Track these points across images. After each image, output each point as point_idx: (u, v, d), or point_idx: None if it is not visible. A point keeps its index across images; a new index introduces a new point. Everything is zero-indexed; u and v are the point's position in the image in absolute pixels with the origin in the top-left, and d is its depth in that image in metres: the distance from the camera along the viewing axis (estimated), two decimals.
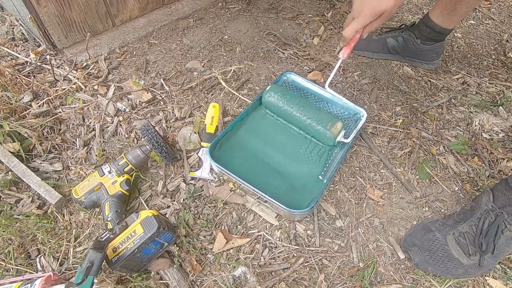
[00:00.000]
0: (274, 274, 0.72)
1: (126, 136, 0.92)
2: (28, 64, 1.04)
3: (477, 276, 0.73)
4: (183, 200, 0.82)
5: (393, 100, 1.10)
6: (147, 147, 0.81)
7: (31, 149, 0.86)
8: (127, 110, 0.98)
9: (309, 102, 0.94)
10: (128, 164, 0.79)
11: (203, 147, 0.90)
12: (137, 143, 0.91)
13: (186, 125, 0.96)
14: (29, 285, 0.61)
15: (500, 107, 1.09)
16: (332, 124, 0.85)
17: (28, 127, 0.86)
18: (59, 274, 0.69)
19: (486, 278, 0.74)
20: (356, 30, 0.73)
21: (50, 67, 1.00)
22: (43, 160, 0.86)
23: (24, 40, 1.11)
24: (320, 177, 0.84)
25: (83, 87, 1.01)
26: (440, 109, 1.08)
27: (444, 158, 0.95)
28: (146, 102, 0.99)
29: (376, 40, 1.20)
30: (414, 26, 1.14)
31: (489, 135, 1.02)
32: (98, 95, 1.00)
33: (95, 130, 0.92)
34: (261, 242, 0.76)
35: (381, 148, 0.96)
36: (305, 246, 0.77)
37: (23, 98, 0.94)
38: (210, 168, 0.86)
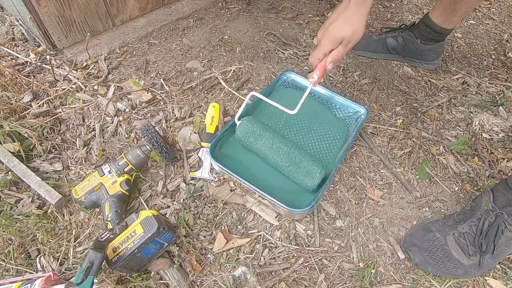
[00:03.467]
0: (274, 274, 0.72)
1: (126, 136, 0.92)
2: (28, 64, 1.04)
3: (477, 276, 0.73)
4: (183, 200, 0.82)
5: (393, 100, 1.10)
6: (147, 147, 0.81)
7: (31, 149, 0.86)
8: (127, 110, 0.98)
9: (286, 140, 0.84)
10: (128, 164, 0.79)
11: (203, 147, 0.90)
12: (137, 143, 0.91)
13: (186, 125, 0.96)
14: (29, 285, 0.61)
15: (500, 107, 1.09)
16: (310, 170, 0.78)
17: (28, 127, 0.86)
18: (59, 274, 0.69)
19: (486, 278, 0.74)
20: (318, 57, 0.75)
21: (50, 67, 1.00)
22: (43, 160, 0.86)
23: (24, 40, 1.11)
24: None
25: (83, 87, 1.01)
26: (440, 109, 1.08)
27: (444, 158, 0.95)
28: (146, 102, 0.99)
29: (376, 40, 1.20)
30: (414, 26, 1.14)
31: (489, 135, 1.02)
32: (98, 95, 1.00)
33: (95, 130, 0.92)
34: (261, 242, 0.76)
35: (381, 148, 0.96)
36: (305, 246, 0.77)
37: (23, 98, 0.94)
38: (210, 168, 0.86)
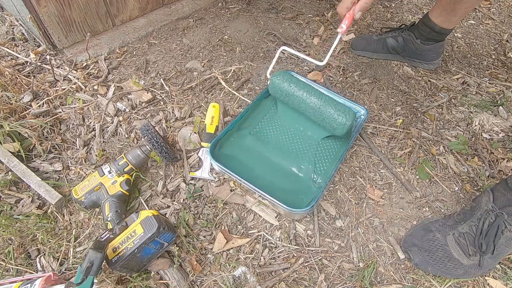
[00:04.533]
0: (274, 274, 0.72)
1: (126, 136, 0.92)
2: (28, 64, 1.04)
3: (477, 276, 0.73)
4: (183, 200, 0.82)
5: (393, 100, 1.10)
6: (147, 147, 0.81)
7: (31, 149, 0.86)
8: (127, 110, 0.98)
9: (317, 90, 0.89)
10: (128, 164, 0.79)
11: (203, 147, 0.90)
12: (137, 143, 0.91)
13: (186, 125, 0.96)
14: (29, 285, 0.61)
15: (500, 107, 1.09)
16: (344, 112, 0.83)
17: (28, 127, 0.86)
18: (59, 274, 0.69)
19: (486, 278, 0.74)
20: (346, 6, 0.75)
21: (50, 67, 1.00)
22: (43, 160, 0.86)
23: (24, 40, 1.11)
24: (314, 176, 0.83)
25: (83, 87, 1.01)
26: (440, 109, 1.08)
27: (444, 158, 0.95)
28: (146, 102, 0.99)
29: (376, 40, 1.20)
30: (414, 26, 1.14)
31: (489, 135, 1.02)
32: (98, 95, 1.00)
33: (95, 130, 0.92)
34: (261, 242, 0.76)
35: (381, 148, 0.96)
36: (305, 246, 0.77)
37: (23, 98, 0.94)
38: (210, 168, 0.86)
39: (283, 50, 0.87)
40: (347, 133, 0.87)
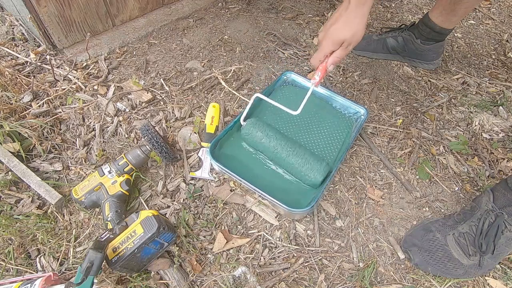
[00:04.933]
0: (274, 274, 0.72)
1: (126, 136, 0.92)
2: (28, 64, 1.04)
3: (477, 276, 0.73)
4: (183, 200, 0.82)
5: (393, 100, 1.10)
6: (147, 147, 0.81)
7: (31, 149, 0.86)
8: (127, 110, 0.98)
9: (292, 140, 0.86)
10: (128, 164, 0.79)
11: (203, 147, 0.90)
12: (137, 143, 0.91)
13: (186, 125, 0.96)
14: (29, 285, 0.61)
15: (500, 107, 1.09)
16: (315, 167, 0.79)
17: (28, 127, 0.86)
18: (59, 274, 0.69)
19: (486, 278, 0.74)
20: (319, 59, 0.76)
21: (50, 67, 1.00)
22: (43, 160, 0.86)
23: (24, 40, 1.11)
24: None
25: (83, 87, 1.01)
26: (440, 109, 1.08)
27: (444, 158, 0.95)
28: (146, 102, 0.99)
29: (376, 40, 1.20)
30: (414, 26, 1.14)
31: (489, 135, 1.02)
32: (98, 95, 1.00)
33: (95, 130, 0.92)
34: (261, 242, 0.76)
35: (381, 148, 0.96)
36: (305, 246, 0.77)
37: (23, 98, 0.94)
38: (210, 168, 0.86)
39: (256, 97, 0.83)
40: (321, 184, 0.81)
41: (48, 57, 1.06)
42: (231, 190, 0.83)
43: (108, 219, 0.70)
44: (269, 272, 0.73)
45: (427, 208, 0.85)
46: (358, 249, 0.77)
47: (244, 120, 0.86)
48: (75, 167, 0.85)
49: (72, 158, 0.87)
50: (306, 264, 0.74)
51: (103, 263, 0.60)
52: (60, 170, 0.84)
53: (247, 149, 0.88)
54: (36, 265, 0.71)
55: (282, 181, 0.83)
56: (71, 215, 0.78)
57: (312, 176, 0.79)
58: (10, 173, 0.80)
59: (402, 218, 0.83)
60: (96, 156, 0.87)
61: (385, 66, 1.21)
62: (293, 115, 0.79)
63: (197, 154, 0.89)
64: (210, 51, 1.19)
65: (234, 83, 1.09)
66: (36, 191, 0.79)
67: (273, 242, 0.77)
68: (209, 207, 0.81)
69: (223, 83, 1.07)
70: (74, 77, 1.03)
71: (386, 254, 0.77)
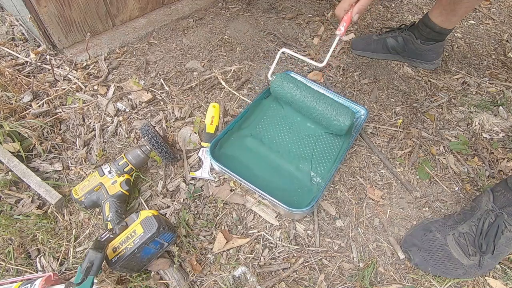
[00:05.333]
0: (274, 274, 0.72)
1: (126, 136, 0.92)
2: (28, 64, 1.04)
3: (477, 276, 0.73)
4: (183, 200, 0.82)
5: (393, 100, 1.10)
6: (147, 147, 0.81)
7: (31, 149, 0.86)
8: (127, 110, 0.98)
9: (318, 91, 0.92)
10: (128, 164, 0.79)
11: (203, 147, 0.90)
12: (137, 143, 0.91)
13: (186, 125, 0.96)
14: (29, 285, 0.61)
15: (500, 107, 1.09)
16: (344, 113, 0.86)
17: (28, 127, 0.86)
18: (59, 274, 0.69)
19: (486, 278, 0.74)
20: (344, 8, 0.76)
21: (50, 67, 1.00)
22: (43, 160, 0.86)
23: (24, 40, 1.11)
24: (314, 176, 0.84)
25: (83, 87, 1.01)
26: (440, 109, 1.08)
27: (444, 158, 0.95)
28: (146, 102, 0.99)
29: (376, 40, 1.20)
30: (414, 26, 1.14)
31: (489, 135, 1.02)
32: (98, 95, 1.00)
33: (95, 130, 0.92)
34: (261, 242, 0.76)
35: (381, 148, 0.96)
36: (305, 246, 0.77)
37: (23, 98, 0.94)
38: (210, 168, 0.86)
39: (283, 51, 0.89)
40: (347, 132, 0.89)
41: (48, 57, 1.06)
42: (231, 190, 0.83)
43: (108, 219, 0.70)
44: (269, 272, 0.73)
45: (427, 208, 0.85)
46: (358, 249, 0.77)
47: (271, 77, 0.92)
48: (75, 167, 0.85)
49: (72, 158, 0.87)
50: (306, 264, 0.74)
51: (103, 263, 0.60)
52: (60, 170, 0.84)
53: (247, 148, 0.88)
54: (36, 265, 0.71)
55: (282, 181, 0.83)
56: (71, 215, 0.78)
57: (341, 120, 0.85)
58: (10, 173, 0.80)
59: (402, 218, 0.83)
60: (96, 156, 0.87)
61: (385, 66, 1.21)
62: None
63: (197, 154, 0.89)
64: (210, 51, 1.19)
65: (234, 83, 1.09)
66: (36, 191, 0.79)
67: (273, 242, 0.77)
68: (209, 207, 0.81)
69: (223, 83, 1.07)
70: (74, 77, 1.03)
71: (386, 254, 0.77)
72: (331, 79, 1.14)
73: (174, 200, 0.81)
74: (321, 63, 0.82)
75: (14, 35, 1.11)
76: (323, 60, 0.82)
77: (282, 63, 1.18)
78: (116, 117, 0.95)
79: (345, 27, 0.78)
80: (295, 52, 0.86)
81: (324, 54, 1.22)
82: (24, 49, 1.08)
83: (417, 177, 0.90)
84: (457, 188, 0.89)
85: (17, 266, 0.70)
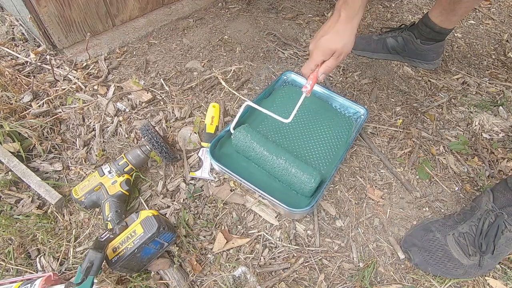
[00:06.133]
0: (274, 274, 0.72)
1: (126, 136, 0.92)
2: (28, 64, 1.04)
3: (477, 276, 0.73)
4: (183, 200, 0.82)
5: (393, 100, 1.10)
6: (147, 147, 0.81)
7: (31, 149, 0.86)
8: (127, 110, 0.98)
9: (282, 149, 0.84)
10: (128, 164, 0.79)
11: (203, 147, 0.90)
12: (137, 143, 0.91)
13: (186, 125, 0.96)
14: (29, 285, 0.61)
15: (500, 107, 1.09)
16: (308, 173, 0.77)
17: (28, 127, 0.86)
18: (59, 274, 0.69)
19: (486, 278, 0.74)
20: (311, 68, 0.78)
21: (50, 67, 1.00)
22: (43, 160, 0.86)
23: (24, 40, 1.11)
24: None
25: (83, 87, 1.01)
26: (440, 109, 1.08)
27: (444, 158, 0.95)
28: (146, 102, 0.99)
29: (376, 40, 1.20)
30: (413, 26, 1.14)
31: (489, 135, 1.02)
32: (98, 95, 1.00)
33: (95, 130, 0.92)
34: (261, 242, 0.76)
35: (381, 148, 0.96)
36: (305, 246, 0.77)
37: (23, 98, 0.94)
38: (210, 168, 0.86)
39: (247, 105, 0.84)
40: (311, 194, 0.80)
41: (48, 57, 1.06)
42: (231, 190, 0.83)
43: (108, 219, 0.70)
44: (269, 272, 0.73)
45: (427, 208, 0.85)
46: (358, 249, 0.77)
47: (234, 128, 0.84)
48: (75, 167, 0.85)
49: (72, 158, 0.87)
50: (306, 264, 0.74)
51: (103, 263, 0.60)
52: (60, 170, 0.84)
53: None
54: (36, 265, 0.71)
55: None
56: (71, 215, 0.78)
57: (302, 187, 0.77)
58: (10, 173, 0.80)
59: (402, 218, 0.83)
60: (96, 156, 0.87)
61: (385, 66, 1.21)
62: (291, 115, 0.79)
63: (197, 154, 0.89)
64: (210, 51, 1.19)
65: (234, 83, 1.09)
66: (36, 191, 0.79)
67: (273, 242, 0.77)
68: (209, 207, 0.81)
69: (223, 83, 1.07)
70: (74, 77, 1.03)
71: (386, 254, 0.77)
72: (331, 79, 1.14)
73: (174, 200, 0.81)
74: (286, 119, 0.79)
75: (14, 35, 1.11)
76: (288, 116, 0.79)
77: (282, 63, 1.18)
78: (116, 117, 0.95)
79: (311, 85, 0.78)
80: (259, 107, 0.83)
81: None
82: (24, 49, 1.08)
83: (417, 177, 0.90)
84: (457, 188, 0.89)
85: (17, 266, 0.70)
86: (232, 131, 0.84)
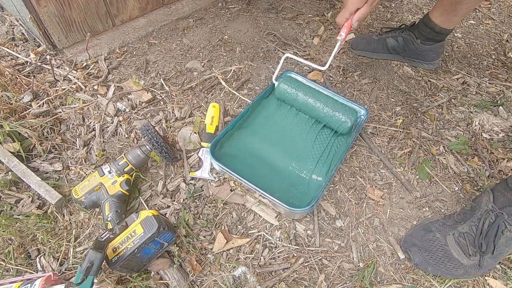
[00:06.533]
0: (274, 274, 0.72)
1: (126, 136, 0.92)
2: (28, 64, 1.04)
3: (477, 276, 0.73)
4: (183, 200, 0.82)
5: (393, 100, 1.10)
6: (147, 147, 0.81)
7: (31, 149, 0.86)
8: (127, 110, 0.98)
9: (321, 93, 0.96)
10: (128, 164, 0.79)
11: (203, 147, 0.90)
12: (137, 143, 0.91)
13: (186, 125, 0.96)
14: (29, 285, 0.61)
15: (500, 107, 1.09)
16: (346, 112, 0.89)
17: (28, 127, 0.86)
18: (59, 274, 0.69)
19: (486, 278, 0.74)
20: (345, 17, 0.80)
21: (50, 67, 1.00)
22: (43, 160, 0.86)
23: (24, 40, 1.11)
24: (314, 176, 0.84)
25: (83, 87, 1.01)
26: (440, 109, 1.08)
27: (444, 158, 0.95)
28: (146, 102, 0.99)
29: (376, 40, 1.20)
30: (414, 26, 1.14)
31: (489, 135, 1.02)
32: (98, 95, 1.00)
33: (95, 130, 0.92)
34: (261, 242, 0.76)
35: (381, 148, 0.96)
36: (305, 246, 0.77)
37: (23, 98, 0.94)
38: (210, 168, 0.86)
39: (287, 56, 0.93)
40: (349, 131, 0.91)
41: (48, 57, 1.06)
42: (231, 190, 0.83)
43: (108, 219, 0.70)
44: (269, 272, 0.73)
45: (427, 208, 0.85)
46: (358, 249, 0.77)
47: (276, 80, 0.95)
48: (75, 167, 0.85)
49: (72, 158, 0.87)
50: (306, 264, 0.74)
51: (103, 263, 0.60)
52: (60, 170, 0.84)
53: (247, 147, 0.88)
54: (36, 265, 0.71)
55: (283, 181, 0.83)
56: (71, 215, 0.78)
57: (344, 120, 0.88)
58: (10, 173, 0.80)
59: (402, 218, 0.83)
60: (96, 156, 0.87)
61: (385, 66, 1.21)
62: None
63: (197, 154, 0.89)
64: (210, 51, 1.19)
65: (234, 83, 1.09)
66: (36, 191, 0.79)
67: (273, 242, 0.77)
68: (209, 207, 0.81)
69: (223, 83, 1.07)
70: (74, 77, 1.03)
71: (386, 254, 0.77)
72: (331, 79, 1.14)
73: (174, 200, 0.81)
74: (323, 66, 0.85)
75: (14, 35, 1.11)
76: (325, 63, 0.85)
77: (282, 63, 1.18)
78: (116, 117, 0.95)
79: (346, 33, 0.81)
80: (298, 57, 0.91)
81: (324, 55, 1.22)
82: (24, 49, 1.08)
83: (417, 177, 0.90)
84: (457, 188, 0.89)
85: (17, 266, 0.70)
86: (274, 81, 0.97)
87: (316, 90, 0.95)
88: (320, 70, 0.87)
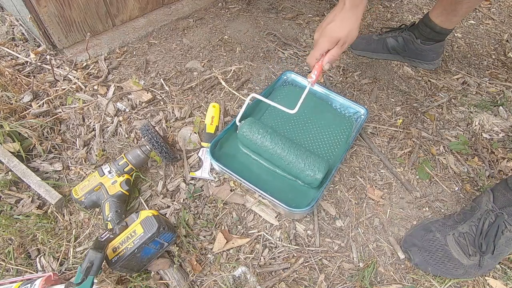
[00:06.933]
0: (274, 274, 0.72)
1: (126, 136, 0.92)
2: (28, 64, 1.04)
3: (477, 276, 0.73)
4: (183, 200, 0.82)
5: (393, 100, 1.10)
6: (147, 147, 0.81)
7: (31, 149, 0.86)
8: (127, 110, 0.98)
9: (290, 140, 0.84)
10: (128, 164, 0.79)
11: (203, 147, 0.90)
12: (137, 143, 0.91)
13: (186, 125, 0.96)
14: (29, 285, 0.61)
15: (500, 107, 1.09)
16: (317, 163, 0.79)
17: (28, 127, 0.86)
18: (59, 274, 0.69)
19: (486, 278, 0.74)
20: (316, 57, 0.78)
21: (50, 67, 1.00)
22: (43, 160, 0.86)
23: (24, 40, 1.11)
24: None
25: (83, 87, 1.01)
26: (440, 109, 1.08)
27: (444, 158, 0.95)
28: (146, 102, 0.99)
29: (376, 40, 1.20)
30: (414, 26, 1.14)
31: (489, 135, 1.02)
32: (98, 95, 1.00)
33: (95, 130, 0.92)
34: (261, 242, 0.76)
35: (381, 148, 0.96)
36: (305, 246, 0.77)
37: (23, 98, 0.94)
38: (210, 168, 0.86)
39: (252, 96, 0.83)
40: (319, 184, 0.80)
41: (48, 57, 1.06)
42: (231, 190, 0.83)
43: (108, 219, 0.70)
44: (269, 272, 0.73)
45: (427, 208, 0.85)
46: (358, 249, 0.77)
47: (240, 121, 0.85)
48: (75, 167, 0.85)
49: (72, 158, 0.87)
50: (306, 264, 0.74)
51: (103, 263, 0.60)
52: (60, 170, 0.84)
53: (245, 150, 0.88)
54: (36, 265, 0.71)
55: (283, 181, 0.83)
56: (71, 215, 0.78)
57: (311, 174, 0.77)
58: (10, 173, 0.80)
59: (402, 218, 0.83)
60: (96, 156, 0.87)
61: (385, 66, 1.21)
62: (291, 115, 0.79)
63: (197, 154, 0.89)
64: (210, 51, 1.19)
65: (234, 83, 1.09)
66: (36, 191, 0.79)
67: (273, 242, 0.77)
68: (209, 207, 0.81)
69: (223, 83, 1.07)
70: (74, 77, 1.03)
71: (386, 254, 0.77)
72: (331, 79, 1.14)
73: (174, 200, 0.81)
74: (292, 110, 0.78)
75: (14, 35, 1.11)
76: (294, 107, 0.78)
77: (282, 63, 1.18)
78: (116, 117, 0.95)
79: (317, 75, 0.79)
80: (265, 98, 0.82)
81: None
82: (24, 49, 1.08)
83: (417, 177, 0.90)
84: (457, 188, 0.89)
85: (17, 266, 0.70)
86: (238, 123, 0.84)
87: (284, 137, 0.83)
88: (290, 113, 0.79)
